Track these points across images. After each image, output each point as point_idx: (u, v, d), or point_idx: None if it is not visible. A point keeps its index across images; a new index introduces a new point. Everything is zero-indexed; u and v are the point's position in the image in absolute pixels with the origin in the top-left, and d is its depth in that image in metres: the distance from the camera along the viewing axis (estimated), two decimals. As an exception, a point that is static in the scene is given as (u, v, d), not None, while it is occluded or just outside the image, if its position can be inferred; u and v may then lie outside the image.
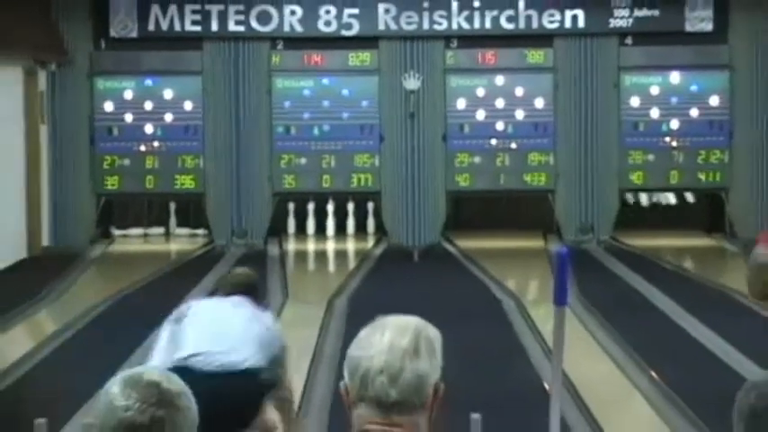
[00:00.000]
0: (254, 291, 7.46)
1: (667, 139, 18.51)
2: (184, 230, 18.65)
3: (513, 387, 9.18)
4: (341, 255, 17.51)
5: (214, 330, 6.87)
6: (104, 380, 8.92)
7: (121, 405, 2.63)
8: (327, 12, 18.15)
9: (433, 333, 2.68)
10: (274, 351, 7.03)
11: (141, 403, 2.63)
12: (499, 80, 18.45)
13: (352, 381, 2.59)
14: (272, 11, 18.13)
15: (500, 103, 18.44)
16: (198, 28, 18.25)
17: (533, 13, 18.20)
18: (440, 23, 18.27)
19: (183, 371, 6.52)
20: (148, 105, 18.36)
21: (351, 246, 18.27)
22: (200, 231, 18.74)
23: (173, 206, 18.96)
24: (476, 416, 7.76)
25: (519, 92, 18.45)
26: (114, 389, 2.68)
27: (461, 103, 18.46)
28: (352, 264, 16.34)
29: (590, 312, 12.01)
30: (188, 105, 18.32)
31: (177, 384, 2.72)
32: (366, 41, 18.35)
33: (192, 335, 6.86)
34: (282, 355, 7.17)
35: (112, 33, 18.23)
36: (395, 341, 2.59)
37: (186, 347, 6.81)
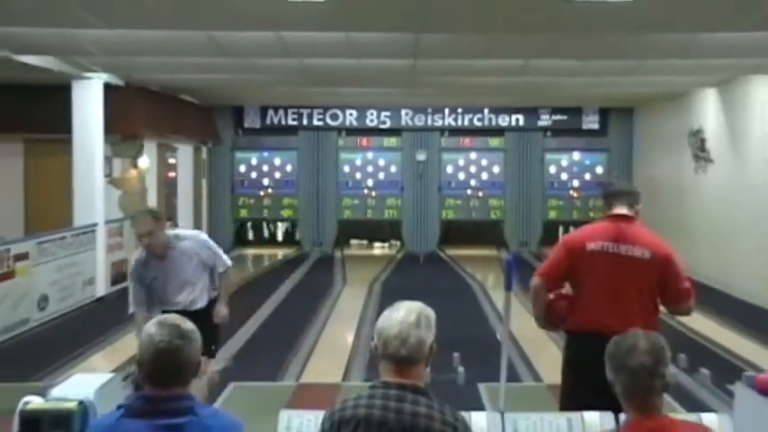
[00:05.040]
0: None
1: (571, 192, 18.41)
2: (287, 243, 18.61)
3: (479, 337, 9.09)
4: (377, 257, 17.44)
5: None
6: (238, 328, 8.80)
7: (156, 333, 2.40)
8: (371, 113, 18.13)
9: (431, 312, 2.55)
10: None
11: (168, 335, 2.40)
12: (472, 155, 18.39)
13: (378, 341, 2.51)
14: (339, 113, 18.14)
15: (473, 169, 18.38)
16: (295, 122, 18.22)
17: (493, 116, 18.14)
18: (437, 121, 18.22)
19: None
20: (265, 168, 18.37)
21: (383, 252, 18.21)
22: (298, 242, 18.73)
23: (280, 227, 18.98)
24: (456, 354, 7.70)
25: (484, 162, 18.39)
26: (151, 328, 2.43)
27: (450, 169, 18.40)
28: (383, 263, 16.27)
29: (525, 294, 11.89)
30: (288, 168, 18.36)
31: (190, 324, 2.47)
32: (394, 131, 18.30)
33: None
34: None
35: (245, 125, 18.28)
36: (405, 318, 2.48)
37: None
